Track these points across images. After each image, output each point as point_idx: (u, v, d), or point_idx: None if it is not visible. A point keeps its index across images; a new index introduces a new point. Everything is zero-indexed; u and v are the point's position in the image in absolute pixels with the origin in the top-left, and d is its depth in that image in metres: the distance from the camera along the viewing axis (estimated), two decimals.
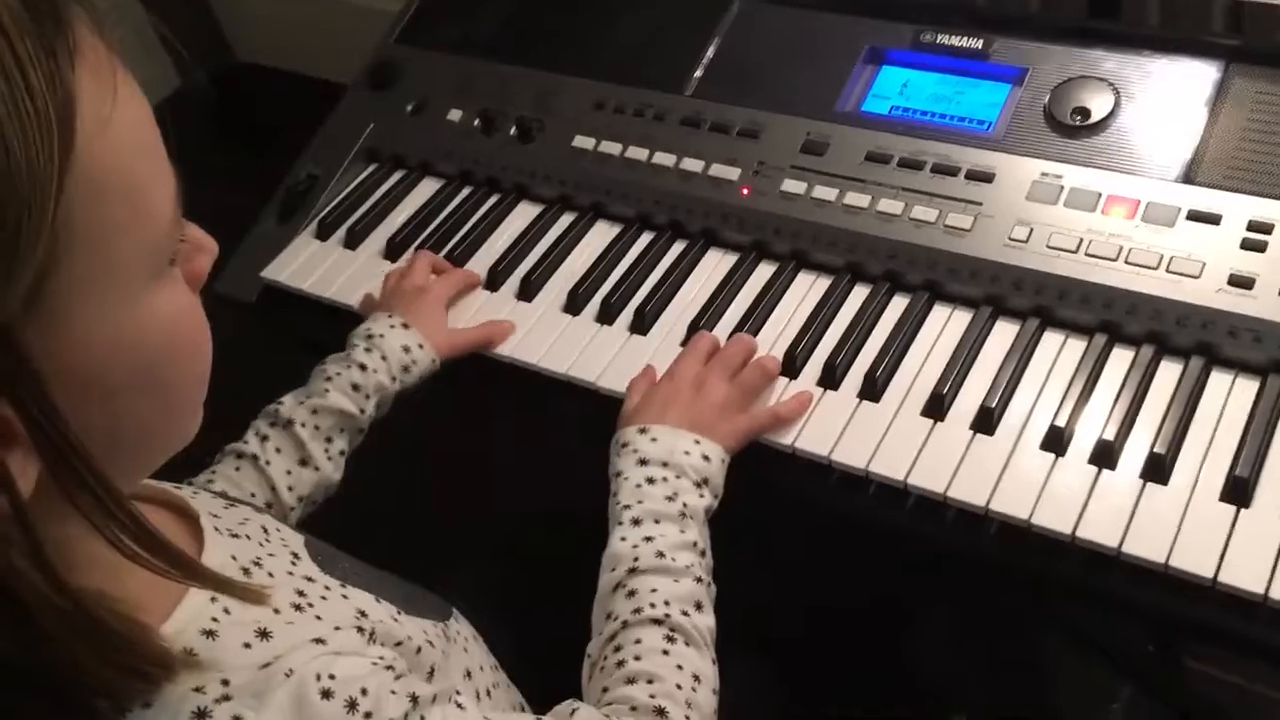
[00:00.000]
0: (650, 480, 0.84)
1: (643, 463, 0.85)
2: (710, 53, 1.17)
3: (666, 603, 0.76)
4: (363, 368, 0.95)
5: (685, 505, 0.83)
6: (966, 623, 1.34)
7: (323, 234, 1.17)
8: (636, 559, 0.79)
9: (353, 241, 1.16)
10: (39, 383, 0.42)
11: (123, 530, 0.46)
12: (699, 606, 0.78)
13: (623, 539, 0.81)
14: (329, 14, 2.53)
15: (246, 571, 0.60)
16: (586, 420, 0.98)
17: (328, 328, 1.13)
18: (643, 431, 0.87)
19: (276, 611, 0.57)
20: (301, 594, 0.60)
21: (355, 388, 0.94)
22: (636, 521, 0.81)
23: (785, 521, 0.95)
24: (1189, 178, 0.95)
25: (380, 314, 1.01)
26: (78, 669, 0.45)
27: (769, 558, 0.90)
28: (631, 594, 0.77)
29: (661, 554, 0.79)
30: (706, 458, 0.86)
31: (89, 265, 0.44)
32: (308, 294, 1.12)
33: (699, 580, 0.79)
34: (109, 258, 0.45)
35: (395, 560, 0.74)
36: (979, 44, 1.08)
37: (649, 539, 0.80)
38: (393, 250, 1.14)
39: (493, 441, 1.15)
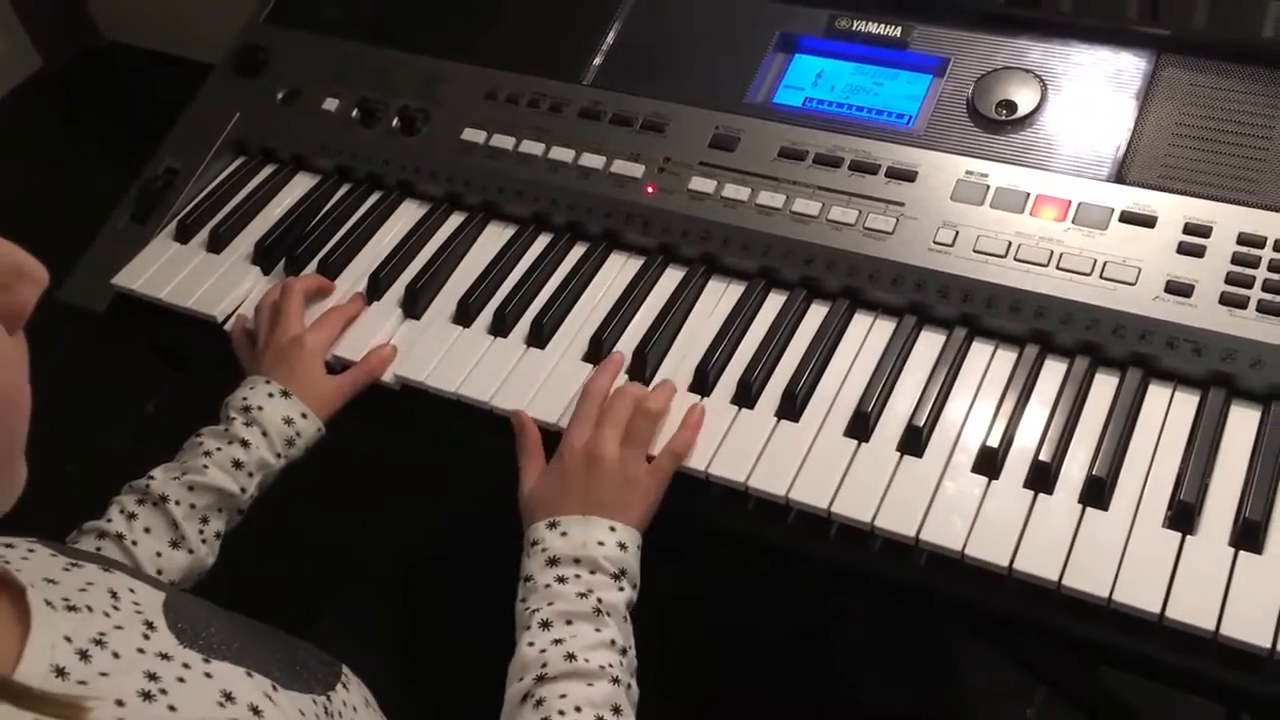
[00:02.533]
0: (561, 580, 0.76)
1: (553, 562, 0.77)
2: (610, 38, 1.08)
3: (578, 709, 0.68)
4: (244, 444, 0.86)
5: (600, 601, 0.75)
6: (879, 632, 1.29)
7: (183, 236, 1.06)
8: (545, 665, 0.71)
9: (217, 245, 1.05)
10: None
11: None
12: (617, 711, 0.70)
13: (530, 644, 0.73)
14: None
15: (84, 654, 0.49)
16: (483, 443, 0.89)
17: (188, 340, 1.02)
18: (552, 526, 0.79)
19: (120, 704, 0.47)
20: (153, 677, 0.50)
21: (236, 465, 0.85)
22: (546, 624, 0.74)
23: (699, 549, 0.87)
24: (1121, 177, 0.90)
25: (258, 380, 0.90)
26: None
27: (685, 590, 0.82)
28: (539, 703, 0.69)
29: (572, 655, 0.71)
30: (622, 545, 0.78)
31: None
32: (165, 303, 1.01)
33: (616, 681, 0.71)
34: None
35: (276, 600, 0.64)
36: (897, 31, 1.01)
37: (558, 641, 0.72)
38: (263, 255, 1.03)
39: (381, 468, 1.05)
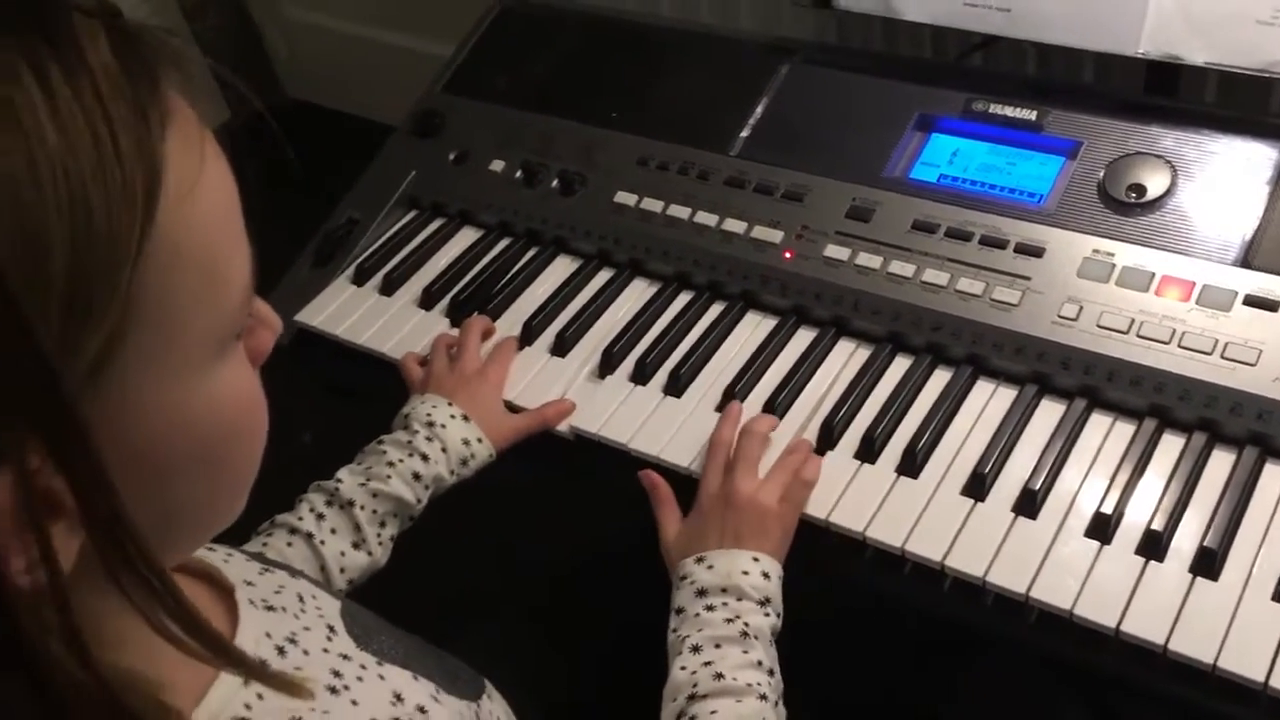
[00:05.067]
0: (709, 608, 0.82)
1: (701, 592, 0.83)
2: (758, 113, 1.16)
3: None
4: (425, 458, 0.94)
5: (747, 625, 0.80)
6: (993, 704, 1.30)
7: (359, 279, 1.16)
8: (695, 685, 0.77)
9: (389, 288, 1.15)
10: (94, 455, 0.39)
11: (165, 611, 0.43)
12: None
13: (682, 668, 0.79)
14: (381, 56, 2.56)
15: (281, 650, 0.56)
16: (615, 478, 0.96)
17: (355, 374, 1.12)
18: (699, 560, 0.85)
19: (311, 696, 0.54)
20: (337, 674, 0.57)
21: (416, 477, 0.93)
22: (696, 649, 0.79)
23: (816, 600, 0.92)
24: (1247, 261, 0.92)
25: (440, 400, 0.98)
26: None
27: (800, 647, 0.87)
28: None
29: (721, 675, 0.77)
30: (765, 574, 0.84)
31: (156, 337, 0.42)
32: (340, 339, 1.11)
33: (763, 699, 0.76)
34: (178, 331, 0.42)
35: (422, 619, 0.71)
36: (1032, 115, 1.06)
37: (708, 663, 0.78)
38: (428, 299, 1.13)
39: (519, 492, 1.13)
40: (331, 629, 0.61)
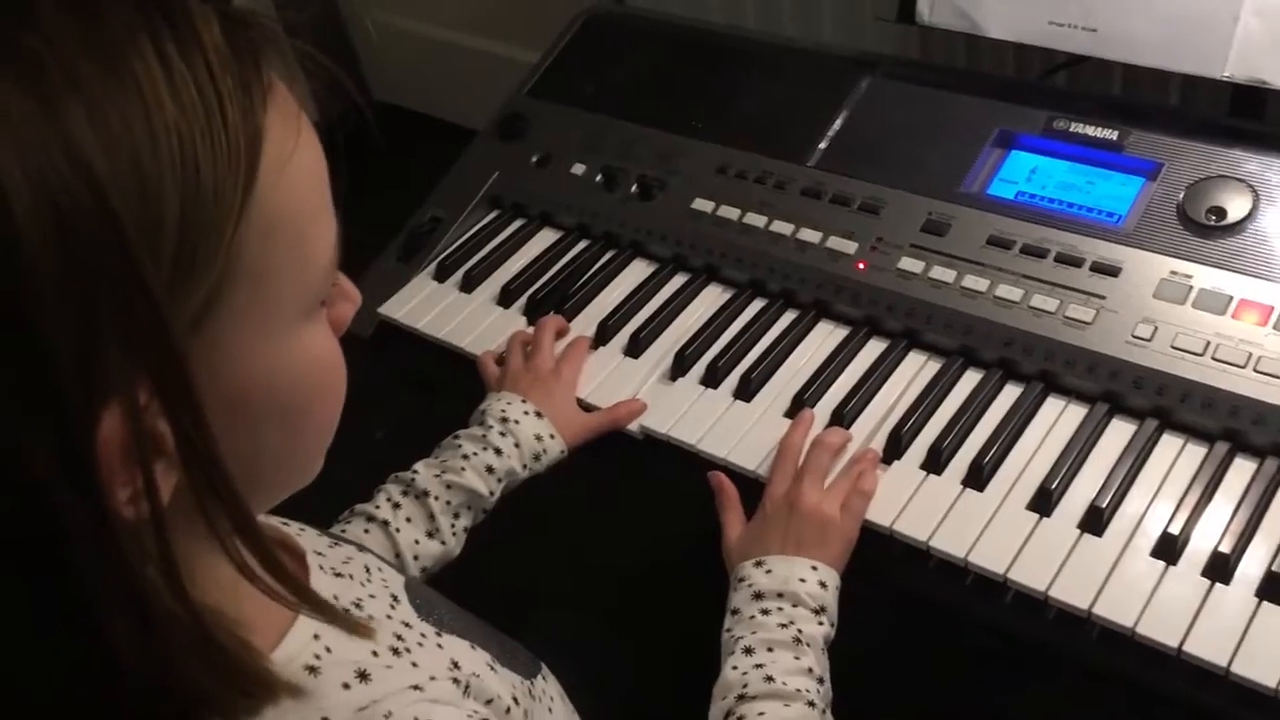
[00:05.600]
0: (765, 611, 0.83)
1: (758, 596, 0.84)
2: (837, 125, 1.17)
3: None
4: (498, 452, 0.96)
5: (801, 632, 0.82)
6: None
7: (441, 275, 1.20)
8: (745, 685, 0.78)
9: (469, 285, 1.18)
10: (195, 398, 0.43)
11: (250, 550, 0.48)
12: None
13: (733, 668, 0.80)
14: (465, 61, 2.61)
15: (347, 612, 0.60)
16: (680, 480, 0.98)
17: (433, 368, 1.15)
18: (758, 564, 0.86)
19: (375, 654, 0.57)
20: (399, 638, 0.60)
21: (489, 470, 0.95)
22: (748, 650, 0.81)
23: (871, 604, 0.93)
24: None
25: (514, 397, 1.01)
26: (189, 679, 0.46)
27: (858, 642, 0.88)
28: None
29: (771, 678, 0.78)
30: (823, 584, 0.85)
31: (254, 294, 0.46)
32: (421, 333, 1.15)
33: (811, 705, 0.78)
34: (273, 290, 0.47)
35: (481, 603, 0.74)
36: (1113, 135, 1.06)
37: (759, 665, 0.80)
38: (506, 296, 1.16)
39: (585, 490, 1.15)
40: (395, 598, 0.64)
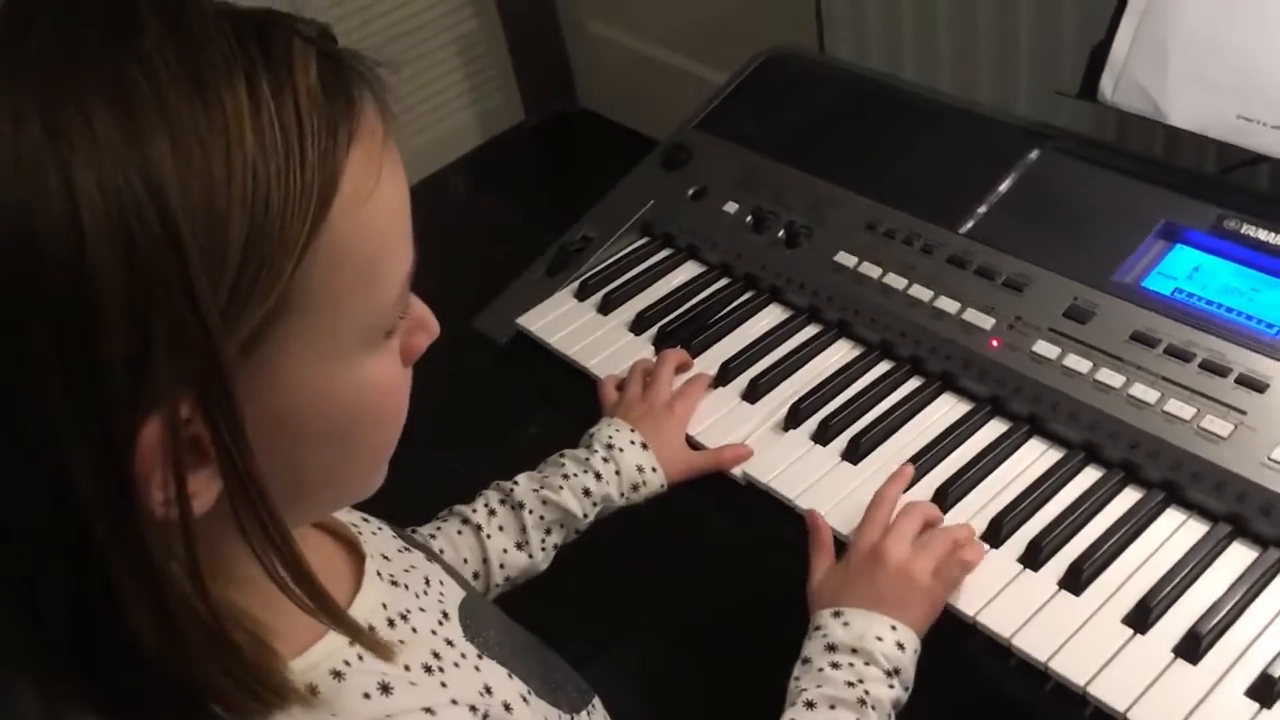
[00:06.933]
0: (835, 665, 0.81)
1: (831, 648, 0.82)
2: (997, 195, 1.14)
3: None
4: (598, 476, 0.98)
5: (868, 693, 0.79)
6: None
7: (582, 294, 1.23)
8: None
9: (607, 307, 1.21)
10: (238, 418, 0.46)
11: (280, 561, 0.50)
12: None
13: (792, 719, 0.79)
14: (669, 78, 2.65)
15: (391, 622, 0.62)
16: (773, 529, 0.97)
17: (560, 383, 1.18)
18: (836, 615, 0.84)
19: (407, 669, 0.59)
20: (437, 655, 0.62)
21: (586, 492, 0.97)
22: (810, 705, 0.79)
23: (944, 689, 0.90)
24: None
25: (624, 425, 1.02)
26: (202, 675, 0.49)
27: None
28: None
29: None
30: (901, 645, 0.83)
31: (312, 322, 0.48)
32: (552, 348, 1.18)
33: None
34: (332, 320, 0.49)
35: (563, 631, 0.75)
36: None
37: None
38: (640, 324, 1.18)
39: (681, 530, 1.16)
40: (445, 615, 0.66)
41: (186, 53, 0.44)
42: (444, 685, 0.60)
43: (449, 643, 0.64)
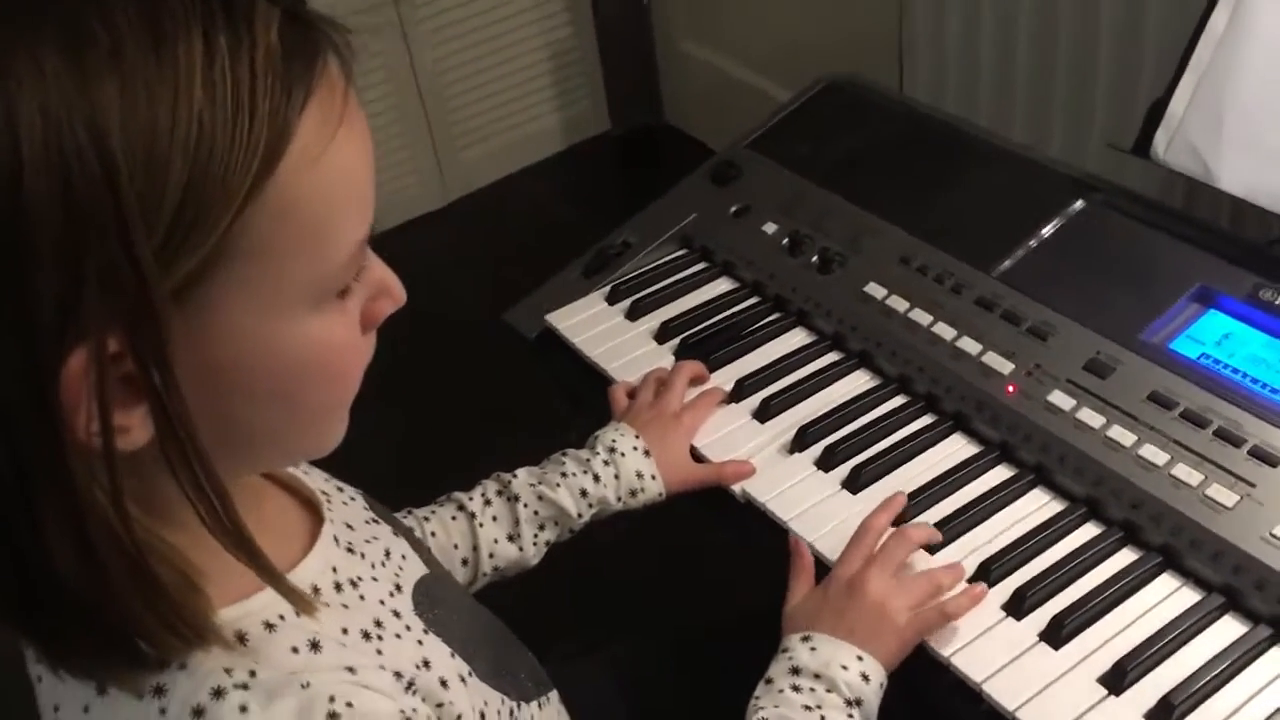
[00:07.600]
0: (796, 689, 0.81)
1: (794, 670, 0.82)
2: (1034, 242, 1.13)
3: None
4: (596, 478, 0.99)
5: (824, 719, 0.79)
6: None
7: (613, 298, 1.24)
8: None
9: (635, 314, 1.22)
10: (166, 359, 0.47)
11: (207, 508, 0.51)
12: None
13: None
14: (750, 100, 2.66)
15: (339, 586, 0.63)
16: (771, 546, 0.97)
17: (581, 383, 1.19)
18: (805, 639, 0.84)
19: (345, 631, 0.60)
20: (379, 624, 0.62)
21: (583, 493, 0.98)
22: None
23: None
24: None
25: (629, 431, 1.03)
26: (124, 607, 0.50)
27: None
28: None
29: None
30: (865, 677, 0.82)
31: (256, 274, 0.50)
32: (576, 347, 1.19)
33: None
34: (276, 274, 0.50)
35: (550, 627, 0.75)
36: None
37: None
38: (664, 333, 1.18)
39: (666, 533, 1.17)
40: (398, 588, 0.67)
41: (147, 6, 0.46)
42: (379, 653, 0.61)
43: (395, 614, 0.65)
